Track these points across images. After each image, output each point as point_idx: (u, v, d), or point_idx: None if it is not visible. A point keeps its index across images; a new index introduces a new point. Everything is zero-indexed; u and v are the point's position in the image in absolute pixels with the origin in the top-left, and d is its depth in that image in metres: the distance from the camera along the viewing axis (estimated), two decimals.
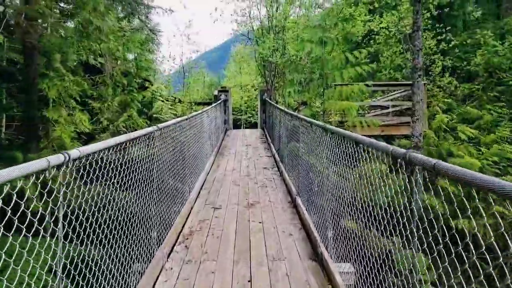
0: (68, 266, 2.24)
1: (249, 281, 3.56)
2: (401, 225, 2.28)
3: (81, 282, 2.38)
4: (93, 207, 2.69)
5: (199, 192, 7.02)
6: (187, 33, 17.74)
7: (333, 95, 8.36)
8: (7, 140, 7.94)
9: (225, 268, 3.86)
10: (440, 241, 1.84)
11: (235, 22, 18.46)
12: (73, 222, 2.27)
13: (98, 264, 2.59)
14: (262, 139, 13.99)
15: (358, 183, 3.49)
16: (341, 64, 8.60)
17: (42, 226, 1.94)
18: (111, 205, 2.89)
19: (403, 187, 2.33)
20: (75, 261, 2.35)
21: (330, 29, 8.85)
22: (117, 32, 8.90)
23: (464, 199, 1.64)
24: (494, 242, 1.56)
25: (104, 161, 2.63)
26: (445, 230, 1.95)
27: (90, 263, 2.47)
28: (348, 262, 3.53)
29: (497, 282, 1.65)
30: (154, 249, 3.95)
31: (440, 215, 1.94)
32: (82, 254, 2.54)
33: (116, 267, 2.93)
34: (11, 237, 1.68)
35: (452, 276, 1.76)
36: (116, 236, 2.90)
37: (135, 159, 3.48)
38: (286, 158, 8.26)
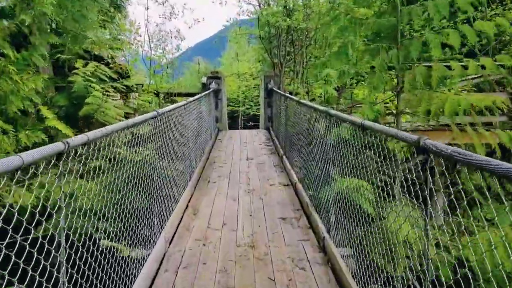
0: None
1: None
2: None
3: None
4: None
5: None
6: None
7: (430, 79, 4.04)
8: None
9: None
10: None
11: None
12: None
13: None
14: (268, 147, 9.68)
15: None
16: (439, 19, 4.28)
17: None
18: None
19: None
20: None
21: None
22: None
23: None
24: None
25: None
26: None
27: None
28: None
29: None
30: None
31: None
32: None
33: None
34: None
35: None
36: None
37: None
38: (334, 208, 4.01)
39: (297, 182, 6.03)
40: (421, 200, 2.31)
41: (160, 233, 4.01)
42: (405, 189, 2.22)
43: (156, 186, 4.12)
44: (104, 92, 5.92)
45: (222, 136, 11.19)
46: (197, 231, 4.46)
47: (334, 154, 4.20)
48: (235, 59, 30.44)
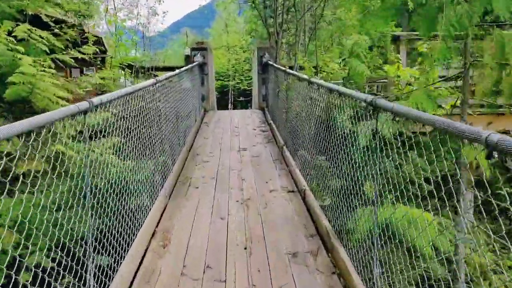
0: None
1: None
2: None
3: None
4: None
5: None
6: None
7: None
8: None
9: None
10: None
11: None
12: None
13: None
14: (264, 132, 8.11)
15: None
16: None
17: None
18: None
19: None
20: None
21: None
22: None
23: None
24: None
25: None
26: None
27: None
28: None
29: None
30: None
31: None
32: None
33: None
34: None
35: None
36: None
37: None
38: (378, 251, 2.52)
39: (306, 189, 4.51)
40: None
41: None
42: None
43: (102, 209, 2.57)
44: (40, 68, 4.22)
45: (209, 119, 9.54)
46: (164, 282, 2.92)
47: (374, 163, 2.67)
48: (225, 30, 28.46)
